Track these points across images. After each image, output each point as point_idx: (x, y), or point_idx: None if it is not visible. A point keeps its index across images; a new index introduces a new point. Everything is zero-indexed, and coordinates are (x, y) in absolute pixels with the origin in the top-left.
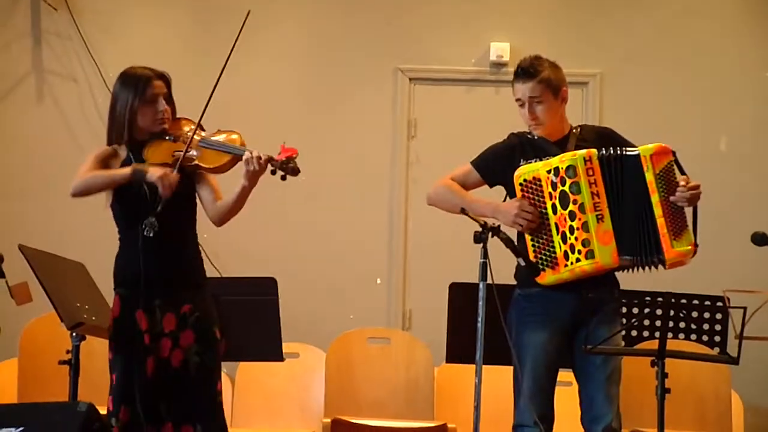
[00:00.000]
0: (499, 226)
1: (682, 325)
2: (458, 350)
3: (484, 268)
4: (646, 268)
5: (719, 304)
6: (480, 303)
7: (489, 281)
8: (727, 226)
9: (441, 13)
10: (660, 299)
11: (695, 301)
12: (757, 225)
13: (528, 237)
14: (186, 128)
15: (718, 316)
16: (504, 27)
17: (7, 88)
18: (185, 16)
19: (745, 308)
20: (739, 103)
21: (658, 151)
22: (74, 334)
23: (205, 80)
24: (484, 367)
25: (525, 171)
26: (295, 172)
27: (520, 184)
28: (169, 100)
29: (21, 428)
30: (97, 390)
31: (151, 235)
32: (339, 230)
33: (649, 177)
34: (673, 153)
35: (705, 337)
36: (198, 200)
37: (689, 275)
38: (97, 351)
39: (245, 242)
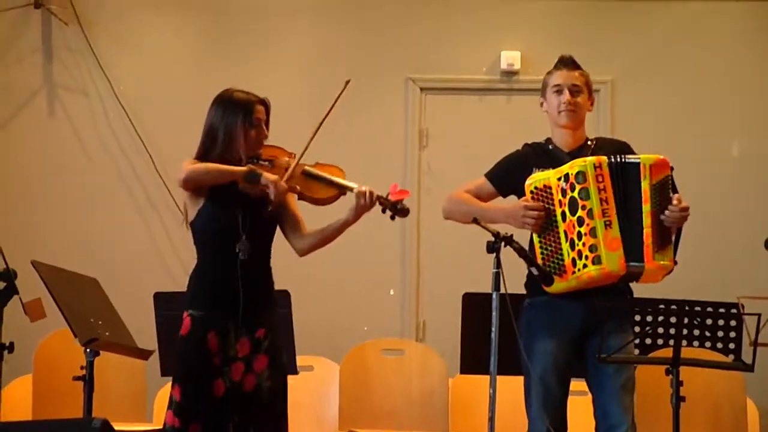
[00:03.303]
0: (511, 235)
1: (696, 332)
2: (472, 361)
3: (497, 277)
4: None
5: (733, 311)
6: (494, 313)
7: (502, 291)
8: (740, 232)
9: (451, 23)
10: (674, 307)
11: (709, 309)
12: None
13: (537, 245)
14: (281, 156)
15: (733, 323)
16: (514, 35)
17: (20, 103)
18: (196, 31)
19: (759, 315)
20: (751, 108)
21: (658, 163)
22: (88, 350)
23: (216, 93)
24: (498, 377)
25: (536, 179)
26: (405, 213)
27: (531, 192)
28: (266, 125)
29: None
30: (111, 406)
31: (245, 257)
32: (351, 242)
33: (645, 186)
34: (671, 168)
35: (719, 345)
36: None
37: (703, 282)
38: (111, 367)
39: None
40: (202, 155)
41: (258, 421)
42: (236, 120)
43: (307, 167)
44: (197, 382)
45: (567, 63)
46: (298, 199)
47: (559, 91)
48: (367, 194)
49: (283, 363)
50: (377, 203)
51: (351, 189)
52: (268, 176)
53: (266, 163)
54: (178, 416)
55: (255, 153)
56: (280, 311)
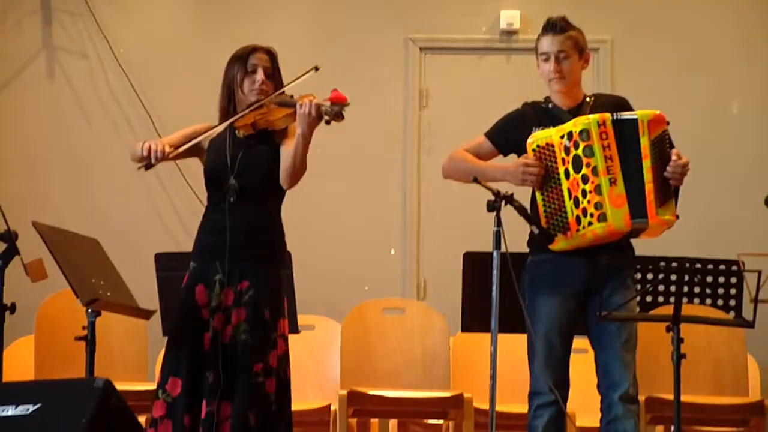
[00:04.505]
0: (512, 194)
1: (697, 289)
2: (473, 319)
3: (497, 236)
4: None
5: (734, 268)
6: (494, 272)
7: (503, 250)
8: (740, 189)
9: None
10: (675, 264)
11: (710, 266)
12: None
13: (540, 203)
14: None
15: (733, 280)
16: None
17: (19, 66)
18: None
19: (759, 272)
20: (752, 66)
21: (655, 118)
22: (90, 310)
23: (216, 54)
24: (499, 335)
25: (538, 137)
26: (339, 116)
27: (533, 150)
28: (272, 76)
29: (38, 405)
30: (113, 366)
31: (233, 199)
32: (352, 202)
33: (644, 142)
34: (667, 123)
35: (720, 302)
36: None
37: (703, 239)
38: (113, 327)
39: None
40: (220, 114)
41: (232, 377)
42: (233, 71)
43: (276, 99)
44: (182, 338)
45: (552, 27)
46: (269, 128)
47: (547, 59)
48: (306, 101)
49: (263, 320)
50: (318, 108)
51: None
52: (145, 145)
53: (257, 105)
54: (161, 372)
55: (255, 99)
56: (273, 270)
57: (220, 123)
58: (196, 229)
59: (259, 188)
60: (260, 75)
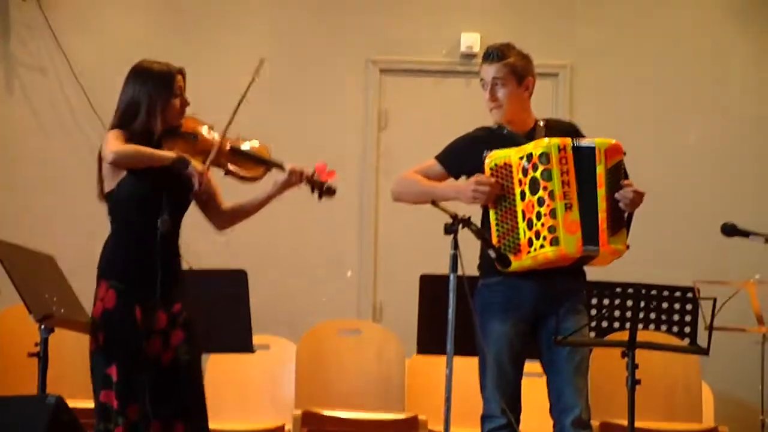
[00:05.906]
0: (469, 217)
1: (652, 316)
2: (429, 342)
3: (454, 259)
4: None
5: (689, 295)
6: (450, 294)
7: (460, 272)
8: (697, 217)
9: (411, 5)
10: (630, 290)
11: (666, 292)
12: (726, 216)
13: (493, 223)
14: (199, 126)
15: (689, 307)
16: (474, 18)
17: None
18: (155, 8)
19: (715, 299)
20: (709, 95)
21: (612, 147)
22: (43, 326)
23: None
24: (455, 358)
25: (496, 156)
26: (333, 193)
27: (491, 169)
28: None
29: None
30: (66, 383)
31: (165, 226)
32: (309, 222)
33: (600, 170)
34: (623, 153)
35: (675, 328)
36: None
37: (659, 266)
38: (66, 343)
39: (215, 234)
40: (122, 127)
41: (179, 397)
42: (158, 90)
43: (233, 144)
44: (133, 360)
45: (488, 56)
46: (225, 175)
47: (484, 86)
48: (298, 173)
49: (198, 338)
50: (306, 182)
51: (281, 167)
52: (195, 165)
53: (190, 137)
54: (119, 398)
55: (177, 123)
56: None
57: (143, 148)
58: None
59: (179, 221)
60: (185, 99)
